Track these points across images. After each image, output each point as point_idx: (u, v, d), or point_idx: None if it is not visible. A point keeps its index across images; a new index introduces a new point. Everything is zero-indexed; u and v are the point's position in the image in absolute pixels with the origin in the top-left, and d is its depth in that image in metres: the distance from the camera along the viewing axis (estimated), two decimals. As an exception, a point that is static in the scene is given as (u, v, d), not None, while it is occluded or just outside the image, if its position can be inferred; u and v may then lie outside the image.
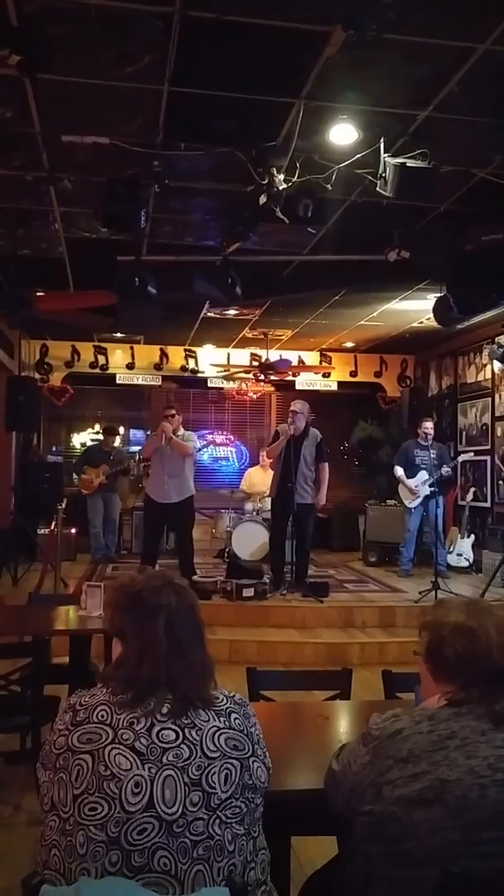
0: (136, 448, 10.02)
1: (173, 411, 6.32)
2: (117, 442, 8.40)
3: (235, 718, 1.39)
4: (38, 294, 5.86)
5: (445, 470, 7.13)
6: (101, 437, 9.38)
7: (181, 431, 6.30)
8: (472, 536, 7.77)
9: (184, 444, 6.22)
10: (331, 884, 1.66)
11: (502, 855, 1.26)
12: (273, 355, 9.05)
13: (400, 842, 1.30)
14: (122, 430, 8.76)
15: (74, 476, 8.87)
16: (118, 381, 9.51)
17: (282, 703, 2.43)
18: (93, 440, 9.88)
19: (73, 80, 3.39)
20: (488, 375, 8.13)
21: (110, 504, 8.04)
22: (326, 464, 6.35)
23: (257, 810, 1.38)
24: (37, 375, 9.13)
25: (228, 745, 1.35)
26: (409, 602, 6.16)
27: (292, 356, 9.52)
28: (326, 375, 9.91)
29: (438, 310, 5.59)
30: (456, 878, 1.22)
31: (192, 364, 9.63)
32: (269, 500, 7.71)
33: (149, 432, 8.86)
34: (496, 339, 7.67)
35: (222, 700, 1.41)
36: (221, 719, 1.37)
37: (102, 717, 1.33)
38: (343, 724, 2.19)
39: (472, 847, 1.26)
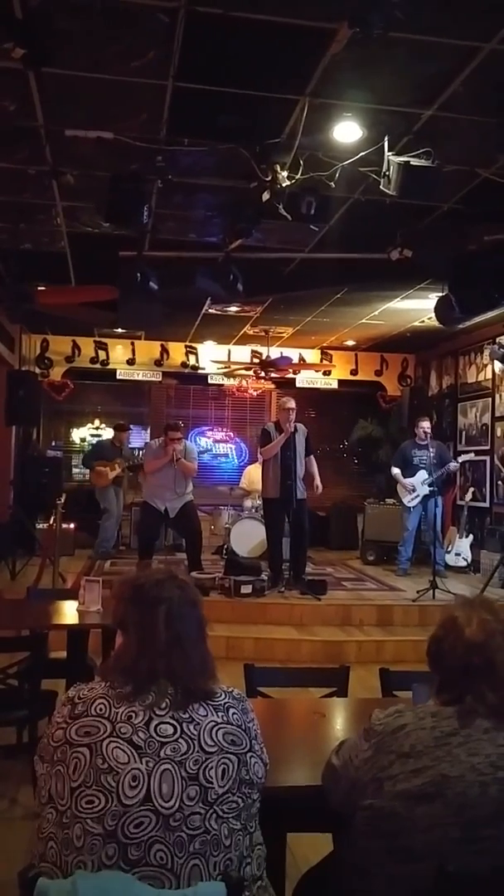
0: (135, 445, 10.03)
1: (180, 434, 6.33)
2: (125, 439, 8.45)
3: (233, 714, 1.39)
4: (39, 288, 5.85)
5: (454, 465, 7.15)
6: (100, 432, 9.41)
7: (181, 446, 6.30)
8: (471, 536, 7.77)
9: (190, 466, 6.27)
10: (326, 880, 1.66)
11: (500, 852, 1.26)
12: (274, 353, 9.05)
13: (399, 837, 1.31)
14: (131, 427, 8.78)
15: (76, 470, 8.90)
16: (118, 377, 9.50)
17: (279, 700, 2.43)
18: (93, 435, 9.88)
19: (78, 74, 3.38)
20: (489, 375, 8.13)
21: (118, 498, 8.07)
22: (312, 456, 6.39)
23: (254, 806, 1.38)
24: (37, 370, 9.11)
25: (226, 740, 1.35)
26: (406, 601, 6.16)
27: (293, 354, 9.51)
28: (327, 374, 9.90)
29: (440, 309, 5.58)
30: (453, 875, 1.23)
31: (192, 360, 9.62)
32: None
33: (146, 441, 8.81)
34: (497, 340, 7.67)
35: (220, 695, 1.41)
36: (219, 714, 1.37)
37: (101, 710, 1.33)
38: (340, 722, 2.19)
39: (471, 844, 1.27)
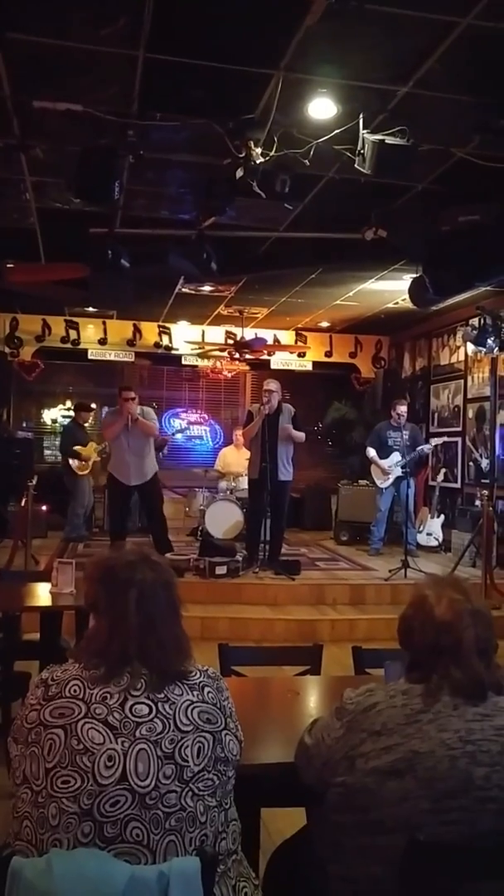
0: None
1: (133, 394, 6.31)
2: (91, 419, 8.34)
3: (208, 692, 1.40)
4: (8, 265, 5.71)
5: (427, 447, 7.26)
6: (72, 413, 9.24)
7: (138, 409, 6.28)
8: (442, 516, 7.89)
9: (149, 424, 6.29)
10: (299, 853, 1.69)
11: (468, 823, 1.29)
12: (248, 333, 8.99)
13: (370, 811, 1.33)
14: (93, 406, 8.67)
15: (48, 451, 8.77)
16: (90, 357, 9.35)
17: (253, 679, 2.44)
18: (65, 416, 9.73)
19: (45, 41, 3.27)
20: (461, 358, 8.21)
21: (88, 484, 7.99)
22: (303, 433, 6.36)
23: (229, 783, 1.39)
24: (6, 349, 8.93)
25: (201, 718, 1.35)
26: (378, 580, 6.25)
27: (268, 335, 9.47)
28: (302, 355, 9.89)
29: (414, 291, 5.60)
30: (422, 845, 1.25)
31: (165, 341, 9.51)
32: (242, 480, 7.74)
33: (105, 411, 8.72)
34: (470, 322, 7.73)
35: (195, 674, 1.41)
36: (195, 693, 1.38)
37: (75, 691, 1.33)
38: (313, 699, 2.21)
39: (440, 815, 1.29)
